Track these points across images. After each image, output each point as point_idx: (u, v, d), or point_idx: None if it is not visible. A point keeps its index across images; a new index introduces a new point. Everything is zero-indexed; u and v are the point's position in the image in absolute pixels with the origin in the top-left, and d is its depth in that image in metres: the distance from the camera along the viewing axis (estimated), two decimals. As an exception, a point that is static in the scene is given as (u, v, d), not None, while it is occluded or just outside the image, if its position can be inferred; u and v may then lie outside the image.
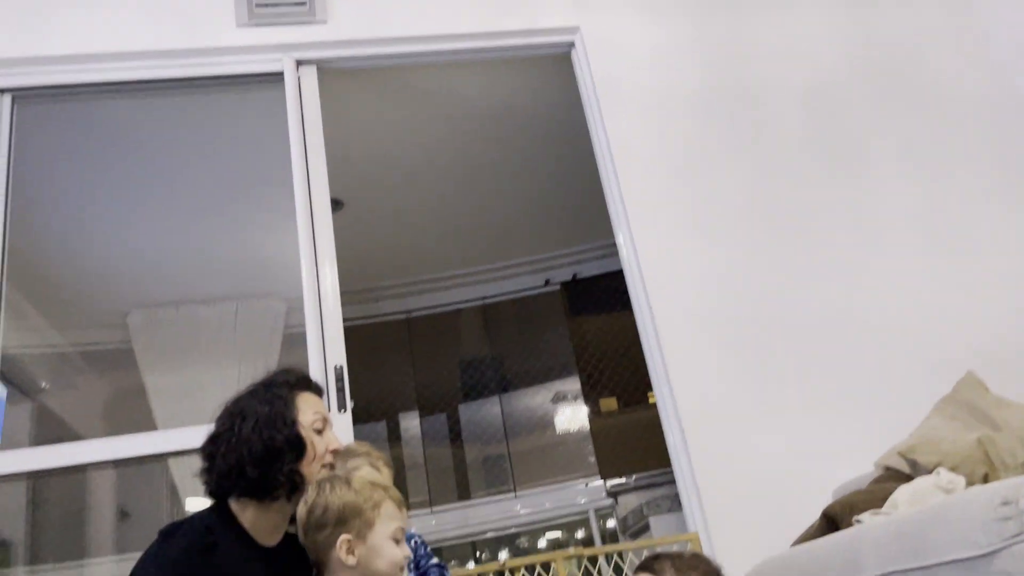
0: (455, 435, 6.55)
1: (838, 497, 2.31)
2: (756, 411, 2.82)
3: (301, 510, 1.48)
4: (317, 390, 1.75)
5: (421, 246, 5.72)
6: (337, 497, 1.44)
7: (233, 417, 1.63)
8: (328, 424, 1.70)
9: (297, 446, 1.61)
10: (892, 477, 2.25)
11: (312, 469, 1.63)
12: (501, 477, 6.52)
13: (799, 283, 3.04)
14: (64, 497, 4.64)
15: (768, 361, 2.91)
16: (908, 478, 2.18)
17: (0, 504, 3.91)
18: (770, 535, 2.32)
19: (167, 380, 4.43)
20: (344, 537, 1.41)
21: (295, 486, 1.60)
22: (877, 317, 2.98)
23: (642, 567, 1.59)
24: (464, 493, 6.27)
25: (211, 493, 1.65)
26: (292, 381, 1.71)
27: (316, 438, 1.65)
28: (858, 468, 2.48)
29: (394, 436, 6.40)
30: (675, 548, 2.05)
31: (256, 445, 1.58)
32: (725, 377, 2.88)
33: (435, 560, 2.05)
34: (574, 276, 6.19)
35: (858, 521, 1.93)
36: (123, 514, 4.59)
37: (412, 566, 1.97)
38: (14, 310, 4.15)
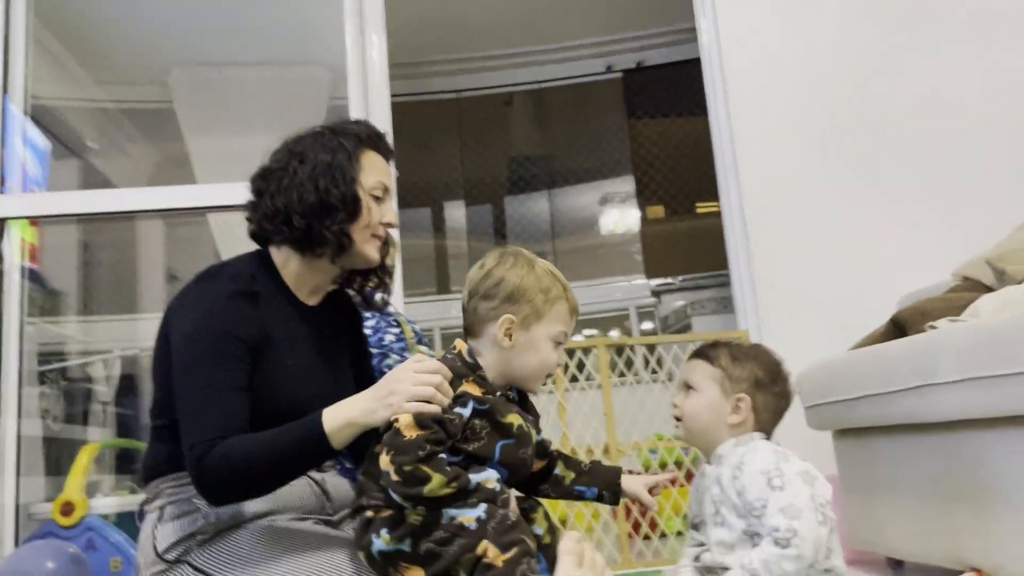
0: (500, 229, 6.48)
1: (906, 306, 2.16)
2: (826, 209, 2.64)
3: (475, 273, 1.34)
4: (387, 152, 1.58)
5: (474, 19, 5.33)
6: (516, 275, 1.31)
7: (291, 156, 1.47)
8: (389, 194, 1.55)
9: (352, 207, 1.46)
10: (972, 287, 2.09)
11: (363, 236, 1.50)
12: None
13: (891, 71, 2.75)
14: (114, 252, 4.72)
15: (846, 157, 2.69)
16: (990, 290, 2.01)
17: (52, 256, 3.97)
18: (827, 339, 2.21)
19: (208, 143, 4.33)
20: (508, 317, 1.29)
21: (341, 247, 1.48)
22: (975, 113, 2.69)
23: (696, 354, 1.48)
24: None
25: (253, 235, 1.54)
26: (362, 135, 1.53)
27: (373, 204, 1.50)
28: (932, 277, 2.31)
29: (438, 225, 6.34)
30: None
31: (309, 194, 1.44)
32: (797, 172, 2.69)
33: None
34: (638, 64, 5.78)
35: (932, 327, 1.79)
36: (171, 277, 4.69)
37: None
38: (53, 58, 4.00)
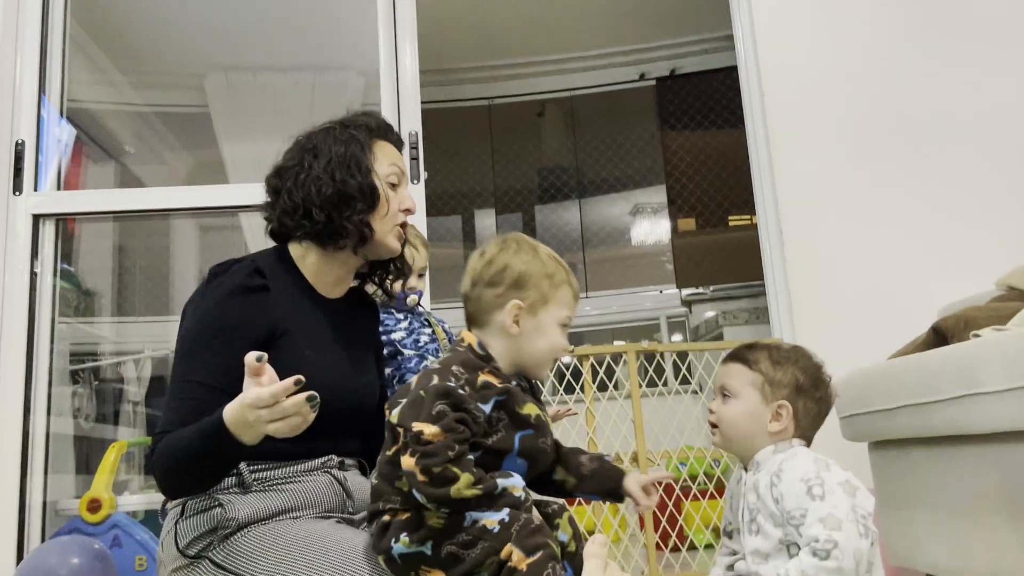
0: (530, 235, 6.45)
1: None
2: (864, 216, 2.58)
3: (477, 261, 1.31)
4: (397, 141, 1.58)
5: (506, 26, 5.33)
6: (521, 261, 1.28)
7: (304, 152, 1.47)
8: (404, 179, 1.54)
9: (370, 195, 1.46)
10: (1018, 297, 2.02)
11: (383, 226, 1.49)
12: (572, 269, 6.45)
13: (932, 76, 2.69)
14: (148, 255, 4.77)
15: (886, 165, 2.63)
16: (1035, 299, 1.94)
17: (87, 259, 4.03)
18: (864, 349, 2.14)
19: (242, 148, 4.37)
20: (516, 303, 1.26)
21: (363, 238, 1.47)
22: (1020, 119, 2.62)
23: (733, 356, 1.43)
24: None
25: (272, 233, 1.53)
26: (372, 126, 1.53)
27: (391, 192, 1.49)
28: (975, 287, 2.24)
29: (468, 233, 6.34)
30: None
31: (326, 187, 1.43)
32: (834, 181, 2.63)
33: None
34: (672, 71, 5.73)
35: (976, 335, 1.73)
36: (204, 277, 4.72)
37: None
38: (90, 61, 4.06)
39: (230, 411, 1.19)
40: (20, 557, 2.33)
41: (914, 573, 1.99)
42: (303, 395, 1.13)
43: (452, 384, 1.20)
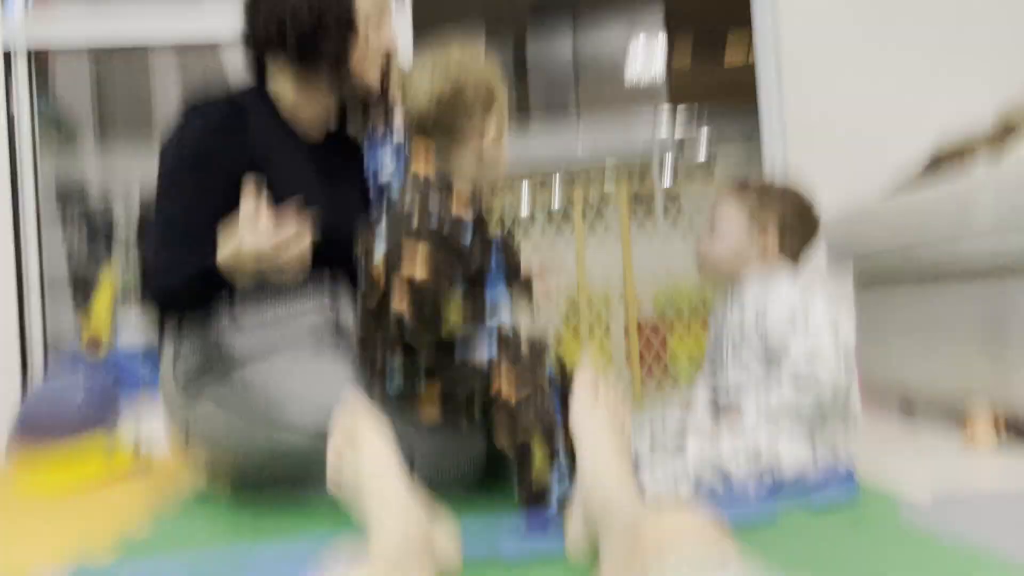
0: (520, 66, 6.24)
1: (945, 147, 2.07)
2: (868, 44, 2.52)
3: (440, 86, 1.21)
4: None
5: None
6: (482, 75, 1.22)
7: None
8: (387, 18, 1.48)
9: (347, 29, 1.40)
10: (1015, 128, 1.98)
11: (362, 67, 1.44)
12: (563, 107, 6.31)
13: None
14: (127, 81, 4.60)
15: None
16: (1034, 133, 1.91)
17: (63, 82, 3.90)
18: (861, 183, 2.13)
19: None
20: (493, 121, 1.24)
21: (339, 73, 1.42)
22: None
23: (723, 192, 1.42)
24: (524, 123, 6.12)
25: (250, 64, 1.48)
26: None
27: (372, 32, 1.43)
28: (976, 117, 2.19)
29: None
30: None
31: (302, 12, 1.38)
32: (837, 8, 2.52)
33: None
34: None
35: (971, 167, 1.71)
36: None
37: None
38: None
39: (225, 259, 1.22)
40: (25, 393, 2.41)
41: (889, 400, 2.08)
42: (305, 238, 1.18)
43: (435, 225, 1.19)
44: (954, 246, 1.55)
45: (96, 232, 3.72)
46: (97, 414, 1.99)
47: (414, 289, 1.15)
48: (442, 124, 1.24)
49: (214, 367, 1.36)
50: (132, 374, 2.28)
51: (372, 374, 1.24)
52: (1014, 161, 1.68)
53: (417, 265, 1.16)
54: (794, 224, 1.36)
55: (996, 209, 1.43)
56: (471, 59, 1.26)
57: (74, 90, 4.11)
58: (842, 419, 1.27)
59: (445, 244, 1.18)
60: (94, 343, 2.30)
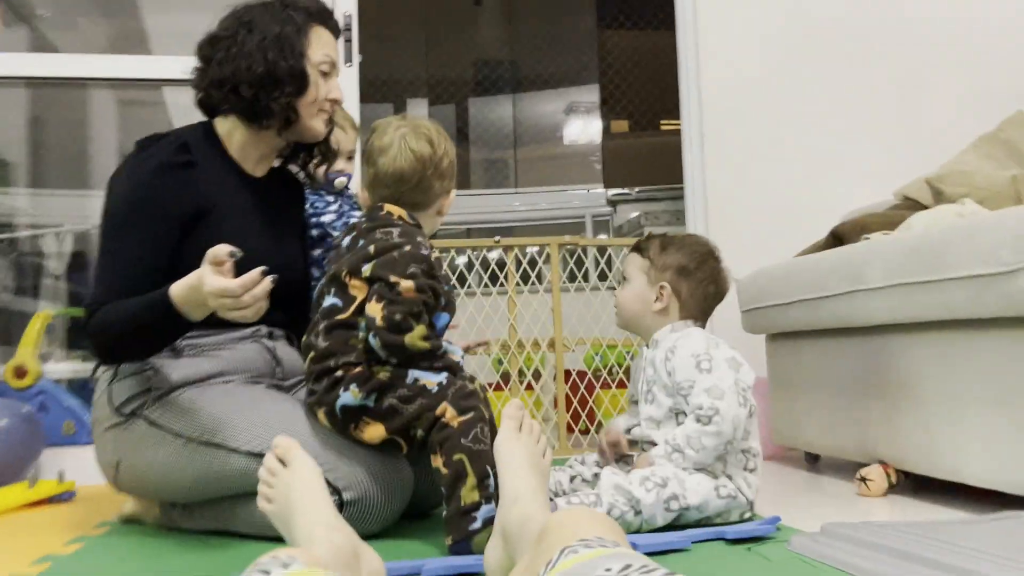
0: (463, 129, 6.42)
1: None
2: (783, 129, 2.72)
3: (424, 147, 1.38)
4: (335, 29, 1.58)
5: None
6: (451, 150, 1.44)
7: (240, 25, 1.47)
8: (335, 71, 1.56)
9: (300, 80, 1.48)
10: (911, 207, 2.17)
11: (309, 111, 1.52)
12: (503, 175, 6.50)
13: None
14: (65, 123, 4.58)
15: (808, 78, 2.74)
16: (926, 209, 2.10)
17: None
18: (772, 250, 2.29)
19: (167, 20, 4.17)
20: (453, 192, 1.47)
21: (288, 120, 1.50)
22: (929, 37, 2.75)
23: (633, 247, 1.55)
24: (465, 185, 6.27)
25: (200, 103, 1.54)
26: (312, 9, 1.53)
27: (320, 80, 1.51)
28: (876, 196, 2.40)
29: (400, 122, 6.24)
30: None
31: (257, 64, 1.44)
32: (758, 89, 2.73)
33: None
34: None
35: (866, 239, 1.88)
36: (125, 155, 4.58)
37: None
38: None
39: (180, 291, 1.22)
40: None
41: (797, 453, 2.21)
42: (268, 285, 1.18)
43: (426, 253, 1.34)
44: (850, 302, 1.70)
45: (24, 267, 3.67)
46: (21, 442, 1.97)
47: (393, 293, 1.27)
48: (423, 184, 1.40)
49: (151, 389, 1.39)
50: (59, 404, 2.26)
51: (328, 388, 1.30)
52: (906, 228, 1.85)
53: (404, 277, 1.29)
54: (693, 271, 1.47)
55: (884, 269, 1.58)
56: (437, 127, 1.44)
57: (10, 128, 4.08)
58: (743, 452, 1.38)
59: (429, 269, 1.32)
60: (20, 372, 2.28)
